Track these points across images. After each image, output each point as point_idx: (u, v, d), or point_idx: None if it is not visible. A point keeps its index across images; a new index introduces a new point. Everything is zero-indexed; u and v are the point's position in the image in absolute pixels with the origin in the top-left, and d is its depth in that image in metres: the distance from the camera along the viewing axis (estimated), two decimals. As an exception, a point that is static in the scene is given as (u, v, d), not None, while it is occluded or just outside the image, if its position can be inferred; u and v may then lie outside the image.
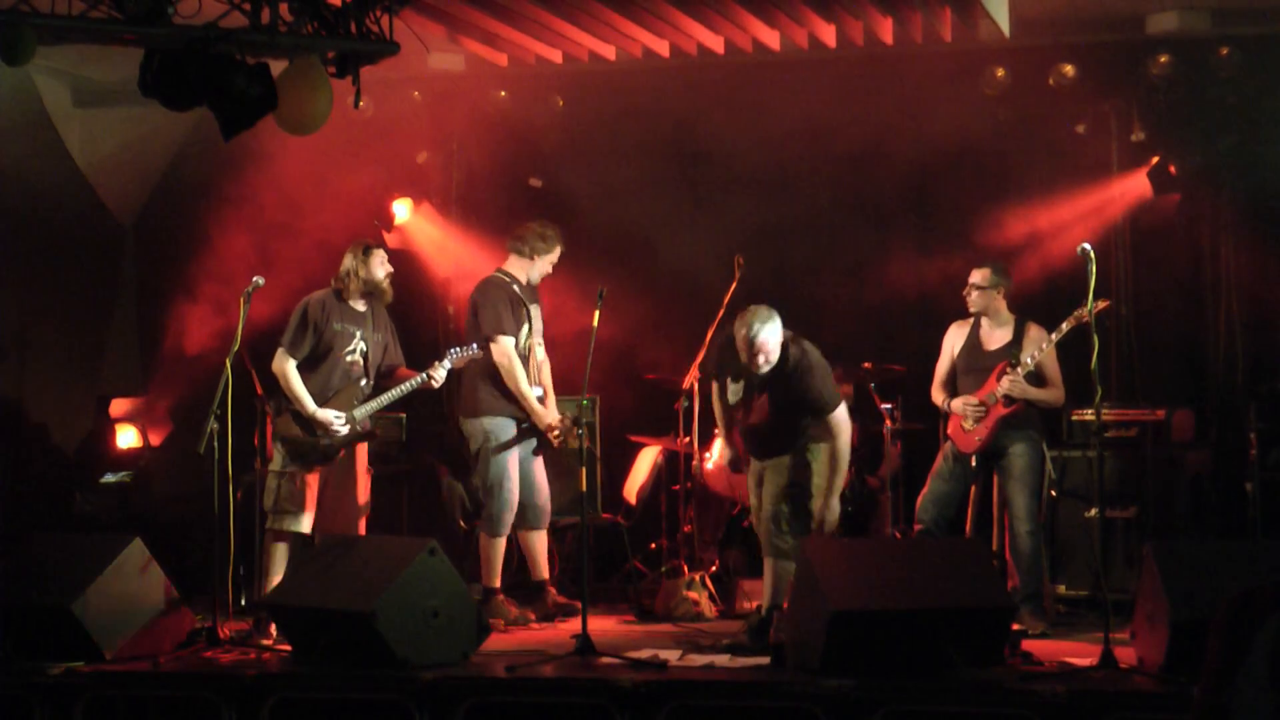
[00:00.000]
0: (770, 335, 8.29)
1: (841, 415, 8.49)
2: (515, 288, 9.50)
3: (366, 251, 9.14)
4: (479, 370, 9.40)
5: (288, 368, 8.99)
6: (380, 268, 9.16)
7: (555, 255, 9.59)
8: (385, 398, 9.20)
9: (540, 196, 11.64)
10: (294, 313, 9.13)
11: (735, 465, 8.93)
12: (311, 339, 9.02)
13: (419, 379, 9.20)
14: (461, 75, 11.47)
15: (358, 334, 9.13)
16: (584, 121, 11.54)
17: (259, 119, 7.28)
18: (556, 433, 9.48)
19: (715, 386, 8.96)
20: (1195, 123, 10.67)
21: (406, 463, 10.91)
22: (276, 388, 9.04)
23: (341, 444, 9.03)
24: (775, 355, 8.35)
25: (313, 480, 9.00)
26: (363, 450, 9.21)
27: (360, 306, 9.16)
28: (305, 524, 8.97)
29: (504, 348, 9.32)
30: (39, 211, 11.32)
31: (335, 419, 8.96)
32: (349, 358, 9.10)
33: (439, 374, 9.23)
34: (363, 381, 9.14)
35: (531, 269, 9.59)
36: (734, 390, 8.63)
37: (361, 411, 9.08)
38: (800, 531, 8.33)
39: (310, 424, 8.96)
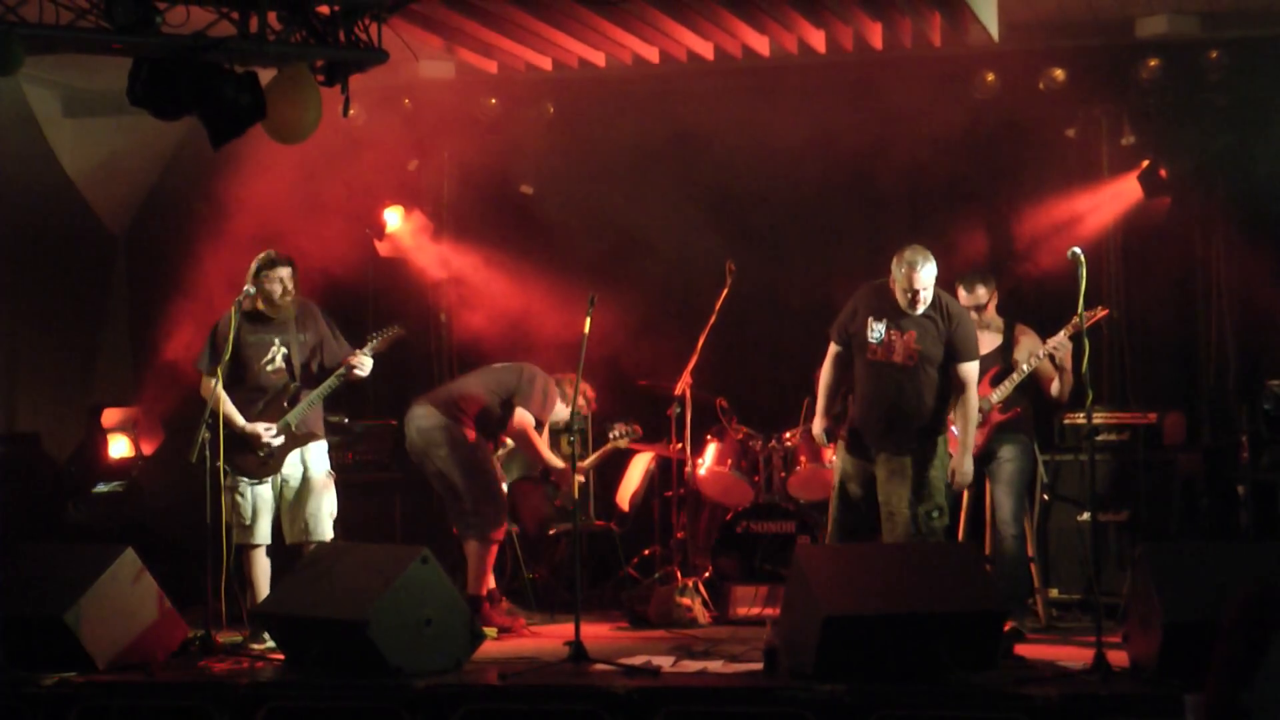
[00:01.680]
0: (932, 276, 8.48)
1: (976, 367, 8.66)
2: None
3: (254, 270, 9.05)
4: (490, 400, 9.55)
5: (212, 388, 8.87)
6: (264, 284, 8.98)
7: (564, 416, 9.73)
8: (314, 395, 9.06)
9: (531, 203, 11.65)
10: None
11: (830, 436, 8.93)
12: (226, 356, 8.90)
13: (342, 372, 9.08)
14: (452, 82, 11.46)
15: (276, 340, 9.04)
16: (574, 128, 11.54)
17: (248, 128, 7.27)
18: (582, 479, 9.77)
19: (832, 350, 8.91)
20: (1185, 126, 10.68)
21: (399, 471, 10.89)
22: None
23: (283, 451, 8.99)
24: (930, 296, 8.52)
25: (264, 492, 8.96)
26: (316, 452, 9.10)
27: (276, 313, 9.12)
28: (262, 535, 8.94)
29: (528, 421, 9.51)
30: (30, 221, 11.32)
31: (265, 430, 8.92)
32: (269, 367, 9.01)
33: (361, 361, 9.07)
34: (291, 385, 9.07)
35: (561, 411, 9.78)
36: (875, 329, 8.65)
37: (295, 415, 9.01)
38: (942, 521, 8.56)
39: (244, 440, 8.93)
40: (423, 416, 9.56)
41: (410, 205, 11.69)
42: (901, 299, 8.52)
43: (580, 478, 9.55)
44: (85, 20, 7.06)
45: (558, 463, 9.62)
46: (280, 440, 8.94)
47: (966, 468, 8.63)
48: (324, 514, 9.04)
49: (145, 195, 12.39)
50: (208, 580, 8.37)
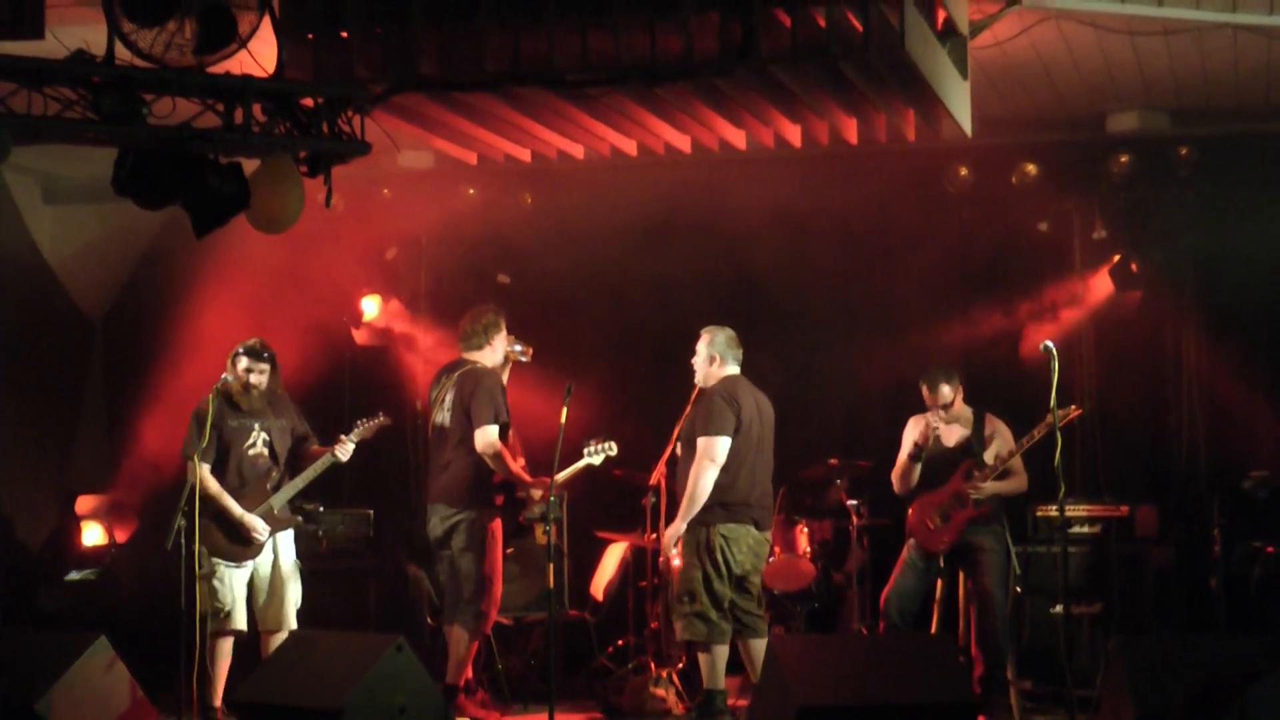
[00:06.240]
0: (699, 350, 9.09)
1: (705, 442, 8.80)
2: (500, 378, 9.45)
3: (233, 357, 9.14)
4: (469, 461, 9.28)
5: (203, 473, 8.89)
6: (243, 374, 9.10)
7: (504, 331, 9.55)
8: (299, 481, 9.14)
9: (508, 292, 11.69)
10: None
11: None
12: (213, 439, 8.96)
13: (327, 457, 9.18)
14: (431, 172, 11.55)
15: (257, 425, 9.12)
16: (552, 218, 11.61)
17: (232, 217, 7.32)
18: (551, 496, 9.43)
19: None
20: (1156, 221, 10.80)
21: (373, 558, 10.86)
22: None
23: (264, 540, 9.04)
24: (700, 377, 9.08)
25: (241, 575, 9.01)
26: (285, 540, 9.15)
27: (245, 401, 9.15)
28: (239, 621, 8.98)
29: (491, 436, 9.11)
30: (7, 307, 11.33)
31: (259, 528, 8.96)
32: (251, 451, 9.09)
33: (346, 450, 9.19)
34: (273, 472, 9.13)
35: (495, 355, 9.54)
36: None
37: (279, 499, 9.07)
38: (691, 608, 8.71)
39: (231, 525, 8.94)
40: (443, 509, 9.33)
41: (388, 294, 11.75)
42: None
43: (552, 496, 9.29)
44: (72, 111, 7.10)
45: (527, 478, 9.36)
46: (266, 536, 8.99)
47: (672, 533, 8.92)
48: (290, 604, 9.10)
49: (123, 283, 12.43)
50: (180, 669, 8.35)
